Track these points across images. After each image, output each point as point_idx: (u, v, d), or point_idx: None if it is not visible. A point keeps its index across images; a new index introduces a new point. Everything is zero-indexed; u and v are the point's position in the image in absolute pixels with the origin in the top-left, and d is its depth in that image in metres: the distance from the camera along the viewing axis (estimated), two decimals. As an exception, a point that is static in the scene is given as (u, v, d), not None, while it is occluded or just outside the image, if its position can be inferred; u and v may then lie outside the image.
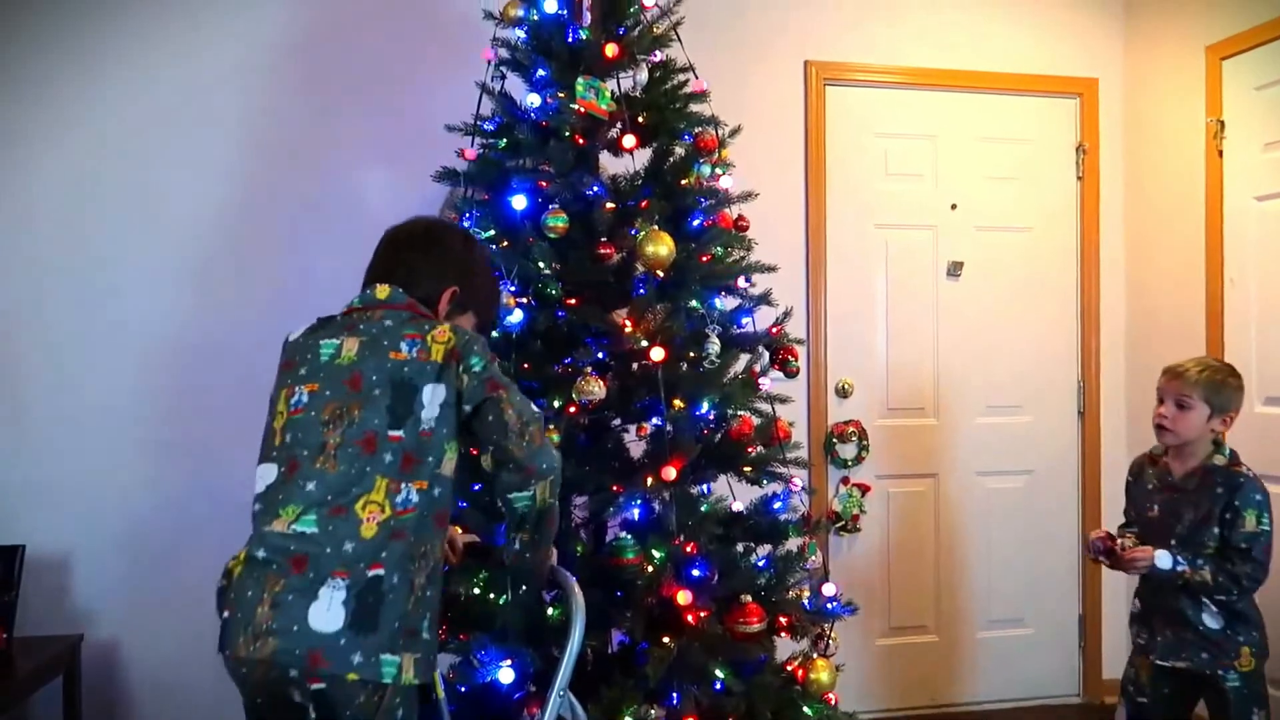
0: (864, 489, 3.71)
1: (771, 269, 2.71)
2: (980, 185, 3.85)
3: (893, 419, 3.79)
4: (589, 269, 2.35)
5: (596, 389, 2.21)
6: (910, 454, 3.79)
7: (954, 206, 3.82)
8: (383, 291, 1.83)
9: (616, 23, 2.59)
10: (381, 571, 1.64)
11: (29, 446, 3.12)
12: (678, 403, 2.35)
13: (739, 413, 2.41)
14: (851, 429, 3.70)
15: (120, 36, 3.21)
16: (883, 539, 3.76)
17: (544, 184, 2.34)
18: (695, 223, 2.49)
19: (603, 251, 2.33)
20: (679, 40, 2.68)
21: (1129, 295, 3.92)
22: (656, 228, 2.29)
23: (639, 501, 2.26)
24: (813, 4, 3.70)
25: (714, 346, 2.36)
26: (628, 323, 2.30)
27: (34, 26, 3.15)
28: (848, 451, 3.70)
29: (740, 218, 2.62)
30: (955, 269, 3.82)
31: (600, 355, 2.35)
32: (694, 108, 2.65)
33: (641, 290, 2.38)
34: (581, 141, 2.45)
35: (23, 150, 3.15)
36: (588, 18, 2.52)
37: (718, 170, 2.56)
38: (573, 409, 2.26)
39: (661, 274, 2.33)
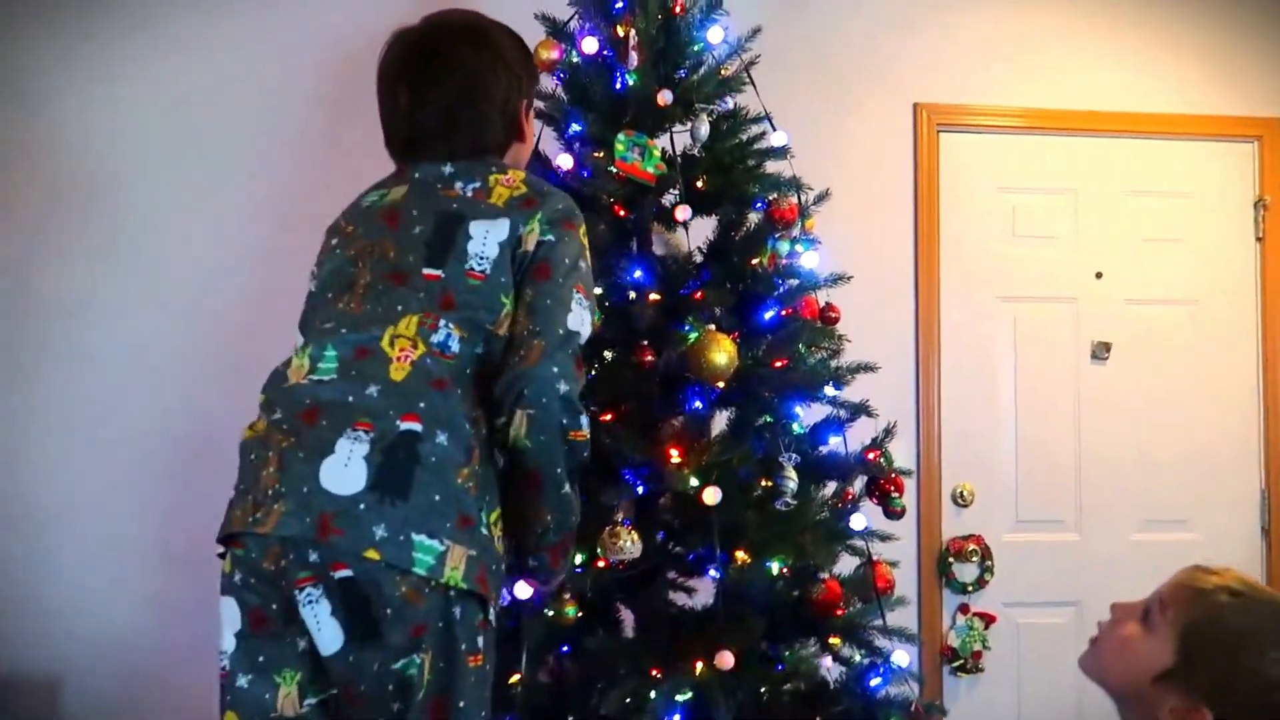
0: (988, 619, 3.03)
1: (870, 368, 2.13)
2: (1132, 249, 3.16)
3: (1024, 533, 3.11)
4: (627, 378, 1.82)
5: (629, 545, 1.66)
6: (1046, 577, 3.09)
7: (1099, 275, 3.15)
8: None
9: (674, 64, 2.08)
10: (418, 426, 1.27)
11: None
12: (740, 555, 1.79)
13: (821, 574, 1.82)
14: (972, 546, 3.04)
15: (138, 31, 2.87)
16: (1012, 682, 3.06)
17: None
18: (768, 315, 1.94)
19: (645, 358, 1.79)
20: (752, 83, 2.15)
21: (1326, 384, 3.15)
22: (714, 328, 1.75)
23: (685, 692, 1.69)
24: (924, 37, 3.12)
25: (790, 482, 1.79)
26: (674, 451, 1.75)
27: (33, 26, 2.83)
28: (967, 573, 3.04)
29: (829, 307, 2.06)
30: (1102, 351, 3.14)
31: (640, 490, 1.80)
32: (770, 166, 2.11)
33: (696, 404, 1.83)
34: (623, 213, 1.93)
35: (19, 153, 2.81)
36: (635, 59, 2.01)
37: (799, 247, 2.00)
38: (601, 563, 1.73)
39: (722, 384, 1.78)
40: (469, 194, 1.45)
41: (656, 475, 1.76)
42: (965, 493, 3.08)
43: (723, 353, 1.72)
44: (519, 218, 1.43)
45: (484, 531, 1.29)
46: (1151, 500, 3.14)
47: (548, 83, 2.08)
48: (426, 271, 1.39)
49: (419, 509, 1.22)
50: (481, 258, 1.40)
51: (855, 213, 3.01)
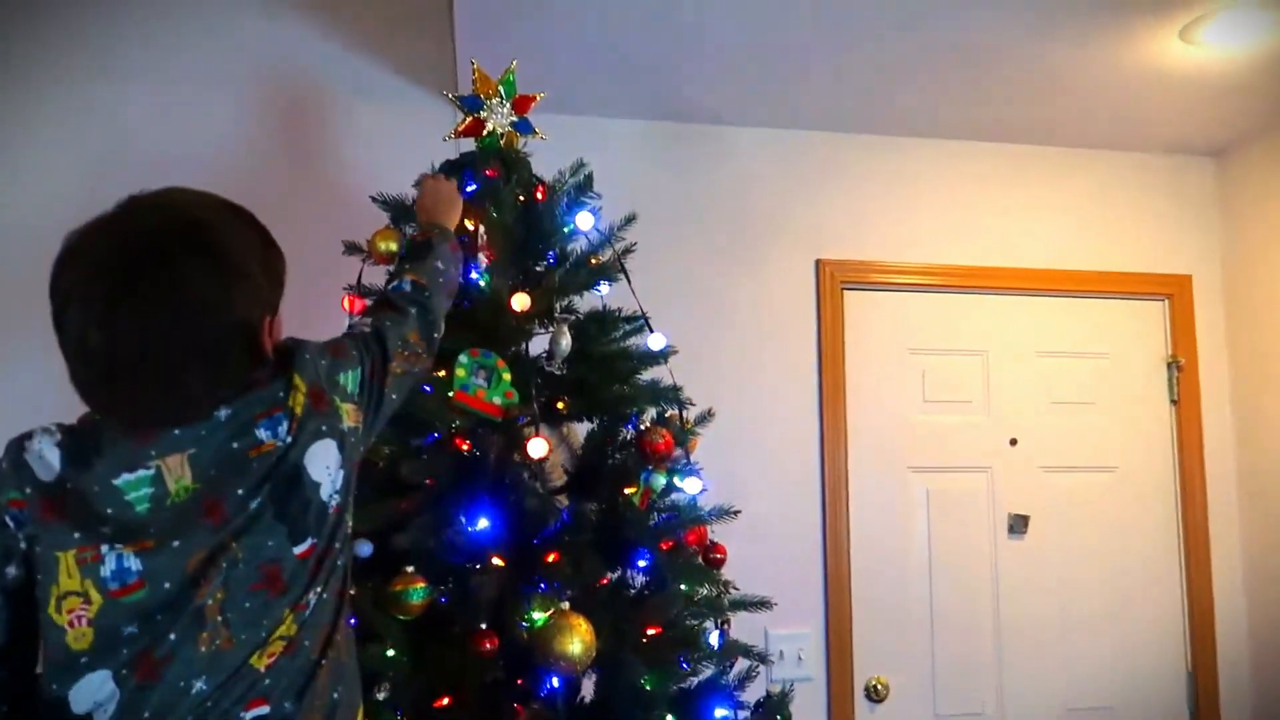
0: (907, 832, 2.72)
1: (765, 604, 1.85)
2: (1046, 414, 2.98)
3: (943, 730, 2.82)
4: (465, 664, 1.48)
5: None
6: (968, 779, 2.81)
7: (1014, 442, 2.95)
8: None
9: (535, 257, 1.80)
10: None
11: None
12: None
13: None
14: (888, 748, 2.74)
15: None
16: None
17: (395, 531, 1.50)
18: (640, 563, 1.63)
19: (484, 646, 1.46)
20: (626, 276, 1.89)
21: (1246, 557, 2.98)
22: (568, 608, 1.43)
23: None
24: (825, 195, 2.93)
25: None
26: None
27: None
28: (884, 782, 2.73)
29: (714, 547, 1.76)
30: (1019, 525, 2.92)
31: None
32: (646, 374, 1.83)
33: (552, 682, 1.50)
34: (466, 447, 1.61)
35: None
36: (484, 260, 1.72)
37: (676, 479, 1.71)
38: None
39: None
40: (283, 434, 1.12)
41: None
42: (879, 686, 2.79)
43: (578, 641, 1.40)
44: (331, 416, 1.16)
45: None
46: (1075, 688, 2.90)
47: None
48: (300, 550, 1.11)
49: None
50: (332, 490, 1.14)
51: (757, 376, 2.79)
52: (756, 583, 1.97)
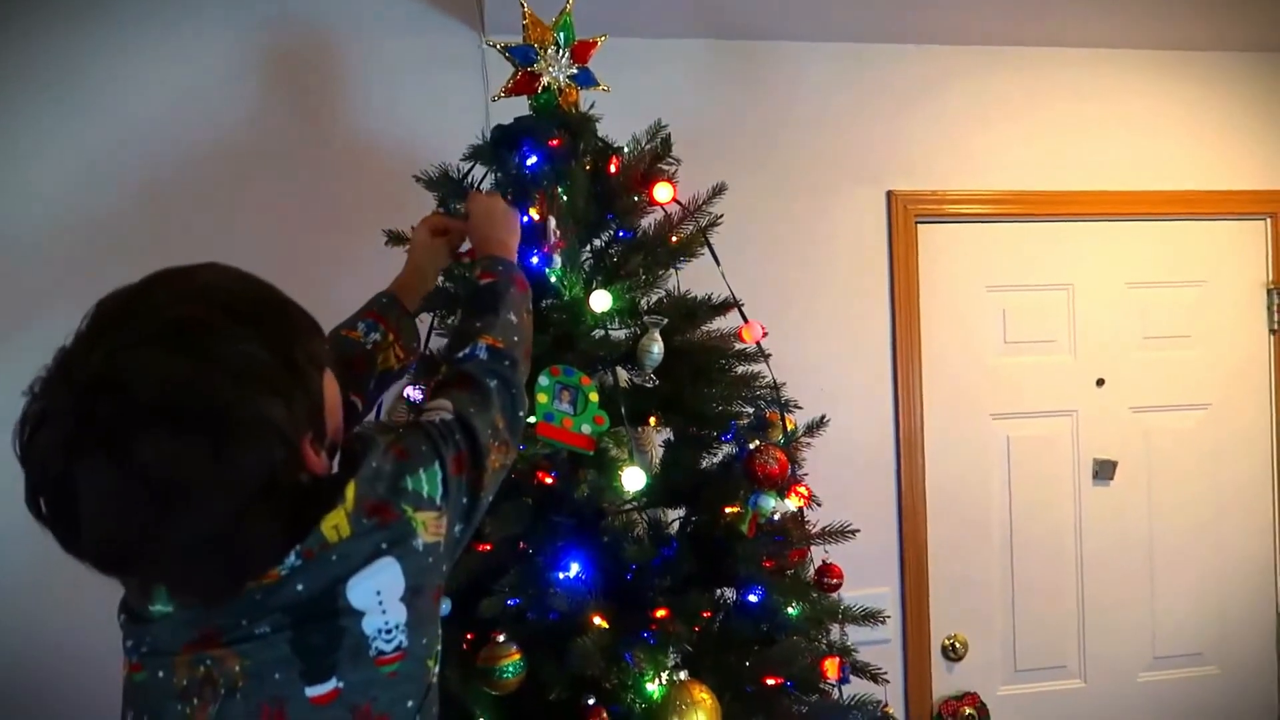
0: (988, 790, 2.64)
1: (875, 616, 1.66)
2: (1136, 350, 2.75)
3: (1023, 684, 2.71)
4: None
5: None
6: (1050, 733, 2.71)
7: (1100, 383, 2.73)
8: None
9: (606, 243, 1.54)
10: None
11: None
12: None
13: None
14: (967, 708, 2.63)
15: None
16: None
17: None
18: (751, 598, 1.44)
19: (592, 721, 1.27)
20: (714, 256, 1.63)
21: (1348, 493, 2.80)
22: (690, 679, 1.23)
23: None
24: (895, 117, 2.61)
25: None
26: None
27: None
28: (963, 741, 2.63)
29: (829, 570, 1.56)
30: (1105, 470, 2.73)
31: None
32: (742, 369, 1.59)
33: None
34: (550, 480, 1.39)
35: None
36: (557, 258, 1.45)
37: (789, 503, 1.49)
38: None
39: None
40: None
41: None
42: (958, 645, 2.66)
43: (702, 717, 1.21)
44: (399, 532, 0.90)
45: None
46: (1165, 636, 2.77)
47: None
48: (313, 694, 0.86)
49: None
50: (386, 628, 0.88)
51: (825, 320, 2.56)
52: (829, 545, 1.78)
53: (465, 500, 0.98)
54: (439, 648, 0.95)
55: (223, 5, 2.27)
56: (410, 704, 0.89)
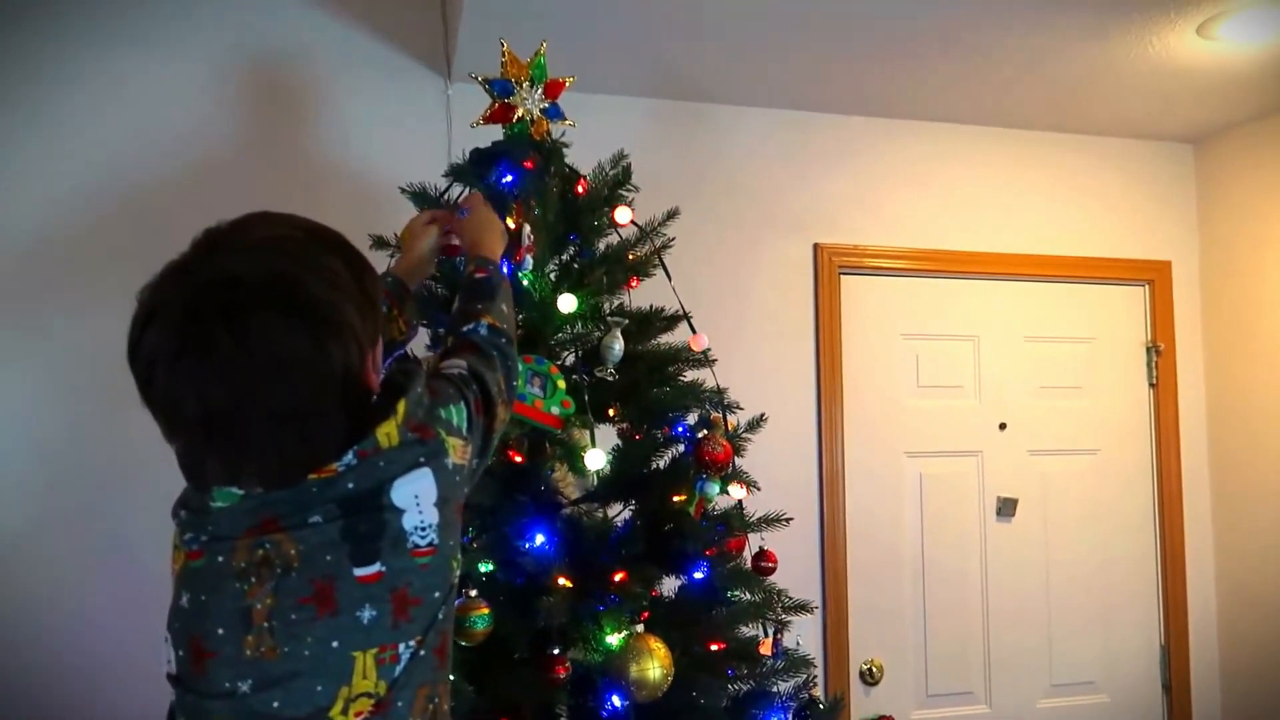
0: (901, 810, 2.78)
1: (804, 608, 1.82)
2: (1033, 398, 3.02)
3: (934, 709, 2.88)
4: (529, 691, 1.41)
5: None
6: (958, 757, 2.87)
7: (1003, 427, 2.99)
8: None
9: (572, 256, 1.72)
10: None
11: None
12: None
13: None
14: (883, 731, 2.78)
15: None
16: None
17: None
18: (697, 575, 1.58)
19: (558, 672, 1.39)
20: (666, 272, 1.82)
21: (1216, 537, 3.09)
22: (643, 629, 1.37)
23: None
24: (823, 177, 2.88)
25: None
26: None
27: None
28: (879, 762, 2.77)
29: (765, 555, 1.72)
30: (1007, 508, 2.96)
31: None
32: (688, 374, 1.77)
33: (611, 712, 1.44)
34: (519, 459, 1.53)
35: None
36: (529, 261, 1.62)
37: (729, 491, 1.66)
38: None
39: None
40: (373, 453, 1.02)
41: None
42: (874, 669, 2.83)
43: (656, 665, 1.35)
44: (434, 448, 1.06)
45: None
46: (1058, 663, 2.98)
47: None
48: (360, 573, 0.98)
49: None
50: (424, 526, 1.02)
51: (755, 360, 2.75)
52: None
53: (481, 440, 1.14)
54: (460, 556, 1.09)
55: (195, 34, 2.40)
56: (437, 594, 1.03)
